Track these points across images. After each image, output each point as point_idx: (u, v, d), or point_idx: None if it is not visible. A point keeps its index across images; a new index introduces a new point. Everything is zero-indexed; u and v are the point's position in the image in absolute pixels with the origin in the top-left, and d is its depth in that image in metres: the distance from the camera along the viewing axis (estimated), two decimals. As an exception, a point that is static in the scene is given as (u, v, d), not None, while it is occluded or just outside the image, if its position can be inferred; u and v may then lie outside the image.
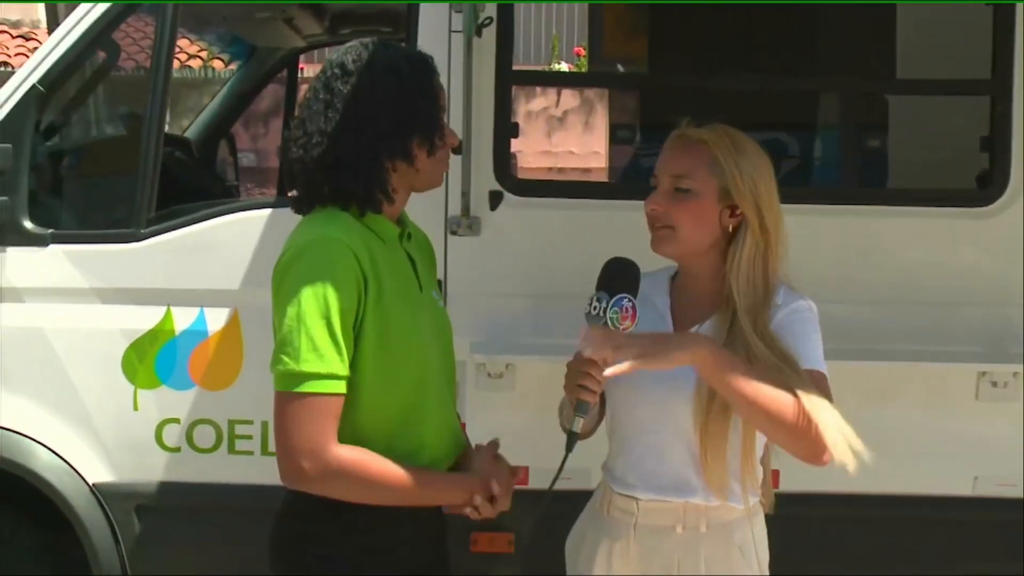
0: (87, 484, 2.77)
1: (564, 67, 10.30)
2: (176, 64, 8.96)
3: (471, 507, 1.74)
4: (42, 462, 2.75)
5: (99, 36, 2.81)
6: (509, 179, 2.76)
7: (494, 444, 1.86)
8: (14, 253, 2.76)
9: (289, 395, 1.60)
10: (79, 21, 2.79)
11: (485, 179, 2.73)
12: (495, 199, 2.74)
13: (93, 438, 2.79)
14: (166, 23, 2.76)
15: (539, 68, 9.43)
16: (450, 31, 2.71)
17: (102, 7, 2.78)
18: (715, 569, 1.81)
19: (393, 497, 1.69)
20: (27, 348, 2.76)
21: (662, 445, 1.83)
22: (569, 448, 1.71)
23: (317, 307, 1.60)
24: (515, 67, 2.94)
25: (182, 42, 9.55)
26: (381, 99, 1.68)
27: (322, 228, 1.67)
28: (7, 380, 2.77)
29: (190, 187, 3.52)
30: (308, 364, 1.59)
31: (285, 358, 1.60)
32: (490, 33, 2.70)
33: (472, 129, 2.67)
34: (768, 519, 1.92)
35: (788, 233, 1.85)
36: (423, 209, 2.71)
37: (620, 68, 3.91)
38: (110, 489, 2.78)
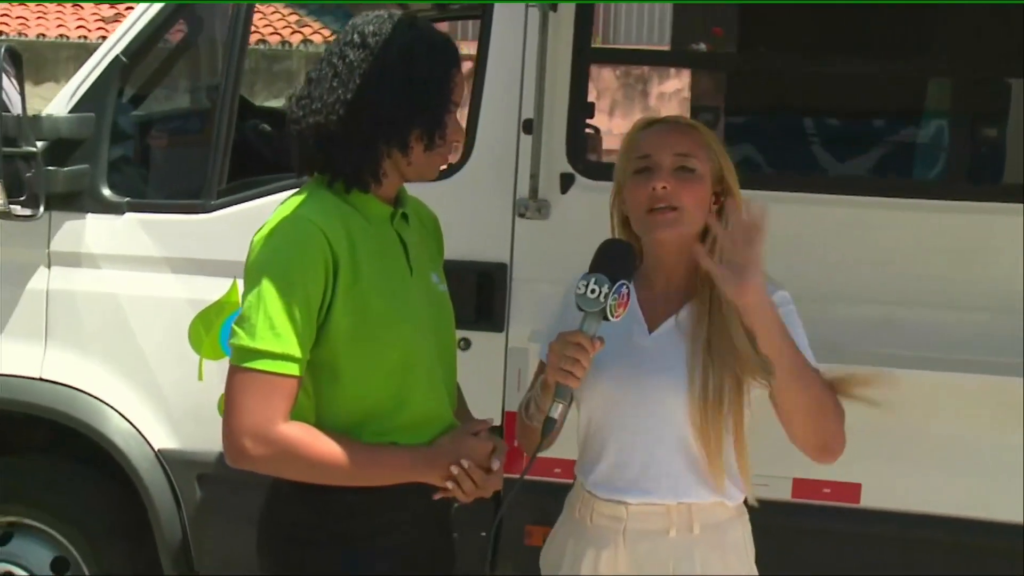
0: (152, 449, 2.82)
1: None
2: (277, 38, 9.13)
3: (449, 484, 1.67)
4: (111, 425, 2.81)
5: (180, 8, 2.84)
6: (582, 161, 2.65)
7: (480, 422, 1.79)
8: (93, 220, 2.81)
9: (240, 370, 1.58)
10: (161, -7, 2.83)
11: (556, 161, 2.64)
12: (566, 182, 2.64)
13: (160, 405, 2.83)
14: (244, -6, 2.76)
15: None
16: (527, 5, 2.62)
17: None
18: (711, 571, 1.74)
19: (343, 475, 1.63)
20: (102, 313, 2.82)
21: (652, 443, 1.75)
22: (544, 435, 1.64)
23: (278, 287, 1.56)
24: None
25: (284, 11, 9.71)
26: (388, 83, 1.62)
27: (297, 207, 1.64)
28: (82, 343, 2.84)
29: (272, 160, 3.54)
30: (263, 342, 1.56)
31: (241, 332, 1.58)
32: (570, 8, 2.60)
33: (544, 108, 2.58)
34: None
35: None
36: (490, 189, 2.68)
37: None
38: (174, 456, 2.82)
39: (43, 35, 10.96)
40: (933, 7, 2.87)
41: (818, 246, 2.53)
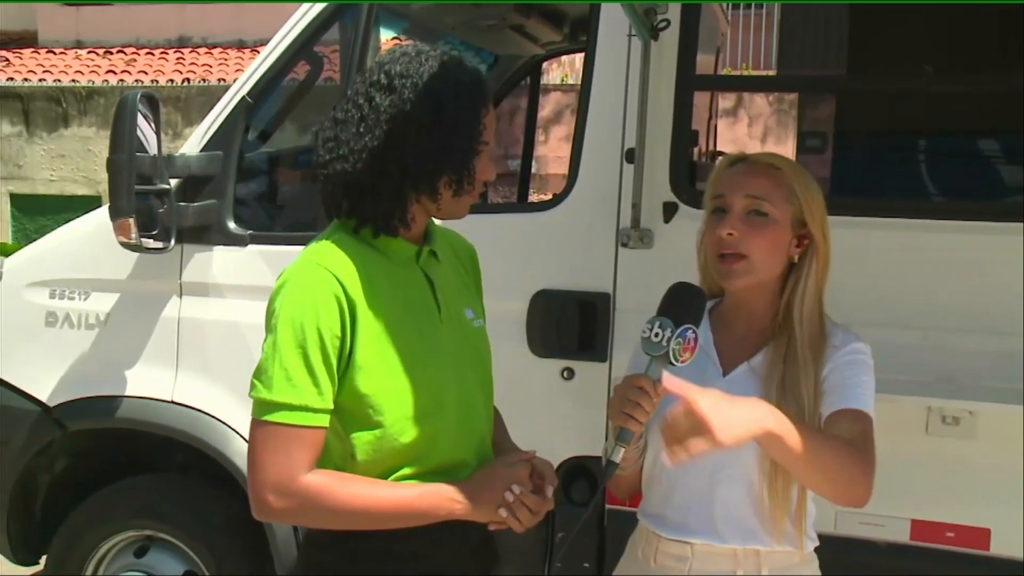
0: (271, 472, 2.93)
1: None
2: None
3: (503, 513, 1.60)
4: (234, 447, 2.95)
5: (302, 48, 2.98)
6: (685, 190, 2.62)
7: (523, 453, 1.71)
8: (219, 252, 2.97)
9: (259, 423, 1.55)
10: (285, 36, 2.97)
11: (660, 190, 2.62)
12: (669, 211, 2.61)
13: (279, 429, 2.94)
14: (359, 27, 2.86)
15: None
16: (629, 34, 2.62)
17: (305, 21, 2.94)
18: None
19: (377, 519, 1.58)
20: (226, 340, 2.97)
21: (720, 487, 1.69)
22: (606, 478, 1.59)
23: (293, 337, 1.53)
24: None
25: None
26: (414, 130, 1.57)
27: (315, 254, 1.60)
28: (209, 369, 3.00)
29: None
30: (280, 394, 1.52)
31: (259, 384, 1.55)
32: (673, 36, 2.59)
33: (648, 137, 2.57)
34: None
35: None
36: (593, 218, 2.68)
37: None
38: (291, 479, 2.92)
39: (222, 79, 11.63)
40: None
41: (933, 276, 2.41)
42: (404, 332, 1.61)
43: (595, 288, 2.66)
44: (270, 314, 1.58)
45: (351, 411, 1.59)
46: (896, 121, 3.05)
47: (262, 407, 1.54)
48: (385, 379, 1.58)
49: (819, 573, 1.78)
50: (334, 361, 1.54)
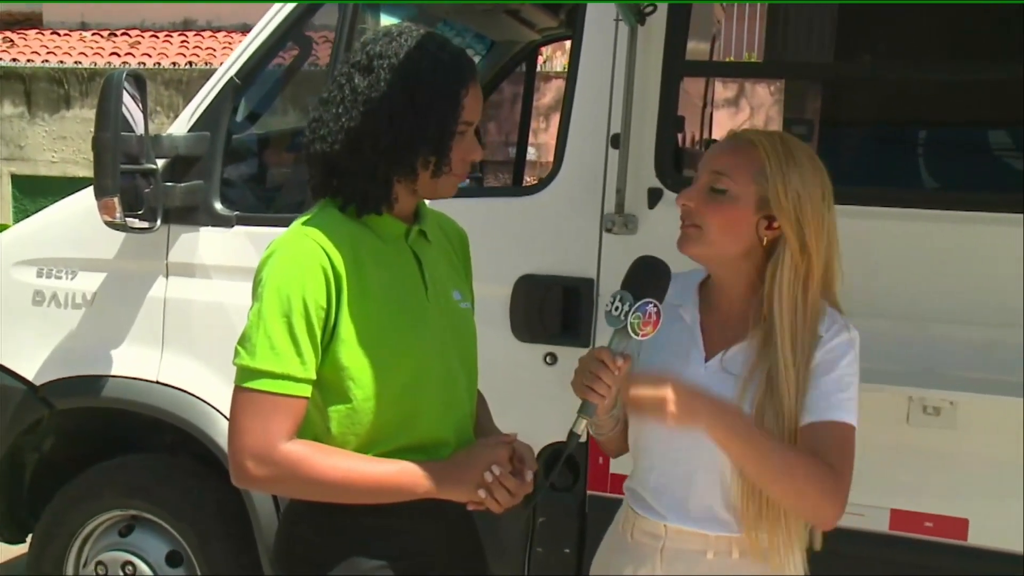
0: (255, 453, 2.93)
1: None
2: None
3: (481, 493, 1.60)
4: (218, 428, 2.95)
5: (289, 31, 2.97)
6: (671, 176, 2.60)
7: (505, 436, 1.71)
8: (205, 233, 2.97)
9: (241, 390, 1.56)
10: (273, 17, 2.96)
11: (645, 175, 2.60)
12: (654, 197, 2.60)
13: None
14: (348, 11, 2.85)
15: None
16: (616, 19, 2.60)
17: (294, 3, 2.93)
18: None
19: (355, 493, 1.58)
20: (211, 321, 2.97)
21: (691, 474, 1.68)
22: (568, 449, 1.60)
23: (279, 306, 1.53)
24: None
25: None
26: (388, 110, 1.57)
27: (302, 226, 1.61)
28: (194, 349, 3.00)
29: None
30: (262, 361, 1.53)
31: (242, 352, 1.56)
32: (661, 21, 2.57)
33: (633, 122, 2.56)
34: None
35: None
36: (578, 203, 2.67)
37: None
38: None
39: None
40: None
41: (920, 264, 2.40)
42: (389, 307, 1.62)
43: (579, 273, 2.66)
44: (257, 283, 1.58)
45: (331, 383, 1.59)
46: (884, 109, 3.03)
47: (244, 374, 1.55)
48: (367, 353, 1.58)
49: (803, 552, 1.73)
50: (318, 332, 1.55)
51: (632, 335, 1.55)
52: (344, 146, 1.59)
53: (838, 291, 1.71)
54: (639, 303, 1.54)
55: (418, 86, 1.58)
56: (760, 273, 1.66)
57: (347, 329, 1.57)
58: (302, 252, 1.56)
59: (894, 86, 2.64)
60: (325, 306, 1.55)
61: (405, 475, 1.59)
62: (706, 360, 1.71)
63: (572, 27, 2.77)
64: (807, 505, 1.58)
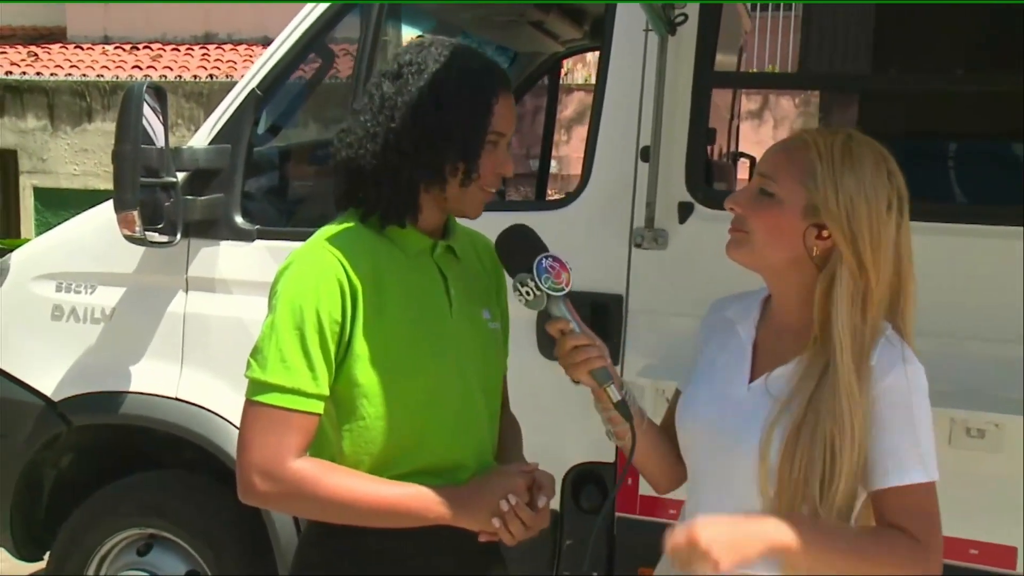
0: (275, 471, 2.88)
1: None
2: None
3: (495, 523, 1.54)
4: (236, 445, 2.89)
5: (312, 42, 2.92)
6: (701, 190, 2.53)
7: (526, 465, 1.64)
8: (226, 247, 2.93)
9: (251, 403, 1.51)
10: (295, 28, 2.92)
11: (675, 189, 2.54)
12: (685, 211, 2.53)
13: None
14: (371, 22, 2.80)
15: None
16: (646, 29, 2.54)
17: (315, 14, 2.89)
18: None
19: (363, 515, 1.52)
20: (231, 337, 2.91)
21: (731, 505, 1.53)
22: (628, 418, 1.56)
23: (292, 318, 1.49)
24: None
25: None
26: (415, 115, 1.53)
27: (322, 238, 1.58)
28: (214, 365, 2.95)
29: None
30: (273, 375, 1.49)
31: (254, 364, 1.52)
32: (691, 31, 2.51)
33: (663, 135, 2.49)
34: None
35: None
36: (606, 218, 2.60)
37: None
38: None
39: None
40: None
41: (961, 280, 2.32)
42: (407, 324, 1.57)
43: (608, 290, 2.59)
44: (272, 294, 1.55)
45: (345, 400, 1.55)
46: (924, 121, 2.95)
47: (255, 387, 1.51)
48: (382, 369, 1.54)
49: None
50: (332, 347, 1.51)
51: (558, 295, 1.53)
52: (369, 152, 1.55)
53: (911, 317, 1.53)
54: (536, 269, 1.51)
55: (444, 90, 1.55)
56: (810, 289, 1.51)
57: (362, 345, 1.53)
58: (319, 264, 1.53)
59: (933, 97, 2.55)
60: (340, 320, 1.51)
61: (415, 499, 1.54)
62: (751, 380, 1.58)
63: (599, 38, 2.70)
64: None
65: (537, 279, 1.51)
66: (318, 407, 1.52)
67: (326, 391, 1.52)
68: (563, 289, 1.53)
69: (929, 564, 1.45)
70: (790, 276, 1.54)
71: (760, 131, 8.61)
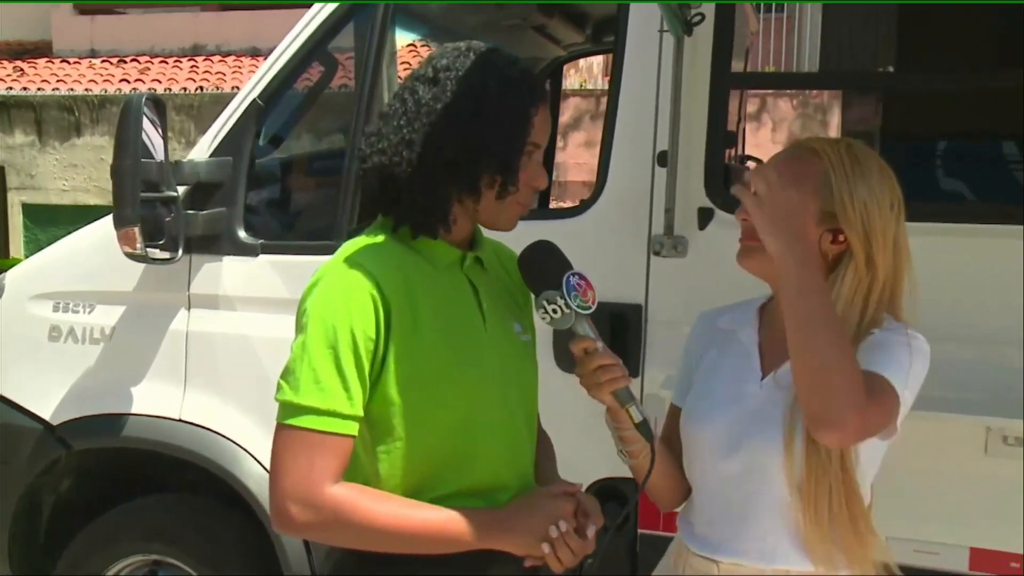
0: (284, 494, 2.79)
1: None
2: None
3: (545, 548, 1.47)
4: (244, 468, 2.81)
5: (314, 49, 2.84)
6: (721, 195, 2.46)
7: (569, 485, 1.59)
8: (229, 262, 2.84)
9: (284, 427, 1.44)
10: (297, 36, 2.84)
11: (694, 194, 2.46)
12: (704, 217, 2.46)
13: (292, 448, 2.80)
14: (375, 28, 2.72)
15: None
16: (661, 30, 2.47)
17: (318, 20, 2.80)
18: None
19: (404, 542, 1.45)
20: (236, 355, 2.83)
21: (748, 501, 1.58)
22: (650, 438, 1.56)
23: (324, 337, 1.42)
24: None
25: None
26: (453, 123, 1.48)
27: (351, 252, 1.52)
28: (219, 385, 2.87)
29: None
30: (307, 397, 1.42)
31: (285, 386, 1.45)
32: (707, 31, 2.44)
33: (681, 138, 2.42)
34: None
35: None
36: (623, 225, 2.53)
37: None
38: (305, 501, 2.77)
39: (236, 88, 11.54)
40: None
41: (996, 283, 2.25)
42: (442, 339, 1.51)
43: (626, 299, 2.51)
44: (301, 313, 1.48)
45: (380, 420, 1.49)
46: (951, 121, 2.89)
47: (287, 410, 1.44)
48: (418, 387, 1.48)
49: None
50: (366, 365, 1.45)
51: (585, 312, 1.50)
52: (404, 159, 1.49)
53: (903, 305, 1.61)
54: (564, 286, 1.48)
55: (485, 99, 1.50)
56: None
57: (396, 362, 1.46)
58: (350, 280, 1.46)
59: (957, 96, 2.49)
60: (374, 337, 1.44)
61: (458, 523, 1.46)
62: (762, 378, 1.64)
63: (601, 42, 2.63)
64: (833, 403, 1.40)
65: (567, 296, 1.48)
66: (354, 429, 1.45)
67: (361, 412, 1.46)
68: (590, 307, 1.51)
69: (867, 412, 1.42)
70: None
71: (758, 134, 8.57)
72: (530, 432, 1.67)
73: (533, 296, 1.54)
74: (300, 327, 1.47)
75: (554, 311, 1.48)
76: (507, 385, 1.59)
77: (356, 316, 1.44)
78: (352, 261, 1.49)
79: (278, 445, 1.45)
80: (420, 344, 1.48)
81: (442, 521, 1.46)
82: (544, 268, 1.53)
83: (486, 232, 1.67)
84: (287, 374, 1.45)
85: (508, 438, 1.59)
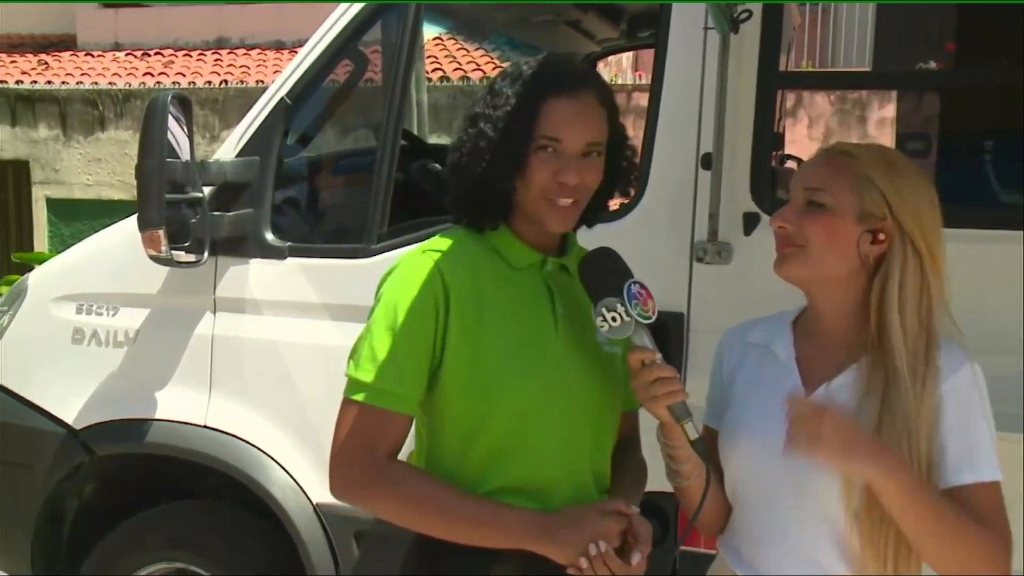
0: (311, 503, 2.72)
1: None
2: (458, 75, 9.20)
3: (583, 563, 1.48)
4: (271, 476, 2.74)
5: (344, 46, 2.76)
6: (768, 199, 2.36)
7: (623, 505, 1.57)
8: (256, 265, 2.77)
9: (346, 401, 1.55)
10: (325, 34, 2.76)
11: (740, 199, 2.37)
12: (750, 222, 2.36)
13: (320, 458, 2.72)
14: (407, 25, 2.64)
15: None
16: (706, 27, 2.37)
17: (347, 17, 2.72)
18: None
19: (447, 524, 1.51)
20: (263, 360, 2.76)
21: (798, 523, 1.52)
22: (705, 457, 1.51)
23: (386, 319, 1.53)
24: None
25: (460, 53, 9.77)
26: (477, 122, 1.58)
27: (428, 243, 1.60)
28: (245, 391, 2.80)
29: (440, 200, 3.42)
30: (364, 373, 1.53)
31: (350, 362, 1.56)
32: (754, 28, 2.34)
33: (725, 140, 2.32)
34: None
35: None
36: (665, 230, 2.43)
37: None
38: (332, 511, 2.70)
39: (260, 81, 11.53)
40: None
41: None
42: (506, 337, 1.56)
43: (668, 307, 2.39)
44: (376, 299, 1.60)
45: (435, 410, 1.58)
46: (1009, 120, 2.76)
47: (349, 385, 1.56)
48: (474, 381, 1.54)
49: None
50: (424, 352, 1.54)
51: (645, 322, 1.48)
52: (465, 156, 1.59)
53: (942, 315, 1.54)
54: (625, 295, 1.47)
55: (494, 97, 1.59)
56: (860, 298, 1.54)
57: (456, 354, 1.54)
58: (418, 270, 1.56)
59: (1015, 96, 2.37)
60: (433, 327, 1.54)
61: (503, 519, 1.52)
62: (806, 394, 1.57)
63: (635, 37, 2.54)
64: (973, 564, 1.42)
65: (627, 304, 1.46)
66: (406, 407, 1.54)
67: (416, 394, 1.54)
68: (651, 317, 1.50)
69: (1007, 562, 1.44)
70: (840, 286, 1.55)
71: (794, 130, 8.41)
72: (596, 442, 1.66)
73: (592, 304, 1.51)
74: (371, 309, 1.58)
75: (613, 319, 1.47)
76: (572, 390, 1.59)
77: (418, 305, 1.52)
78: (425, 252, 1.58)
79: (339, 417, 1.56)
80: (482, 340, 1.54)
81: (486, 514, 1.51)
82: (605, 275, 1.53)
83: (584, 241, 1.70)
84: (353, 351, 1.56)
85: (563, 443, 1.59)
